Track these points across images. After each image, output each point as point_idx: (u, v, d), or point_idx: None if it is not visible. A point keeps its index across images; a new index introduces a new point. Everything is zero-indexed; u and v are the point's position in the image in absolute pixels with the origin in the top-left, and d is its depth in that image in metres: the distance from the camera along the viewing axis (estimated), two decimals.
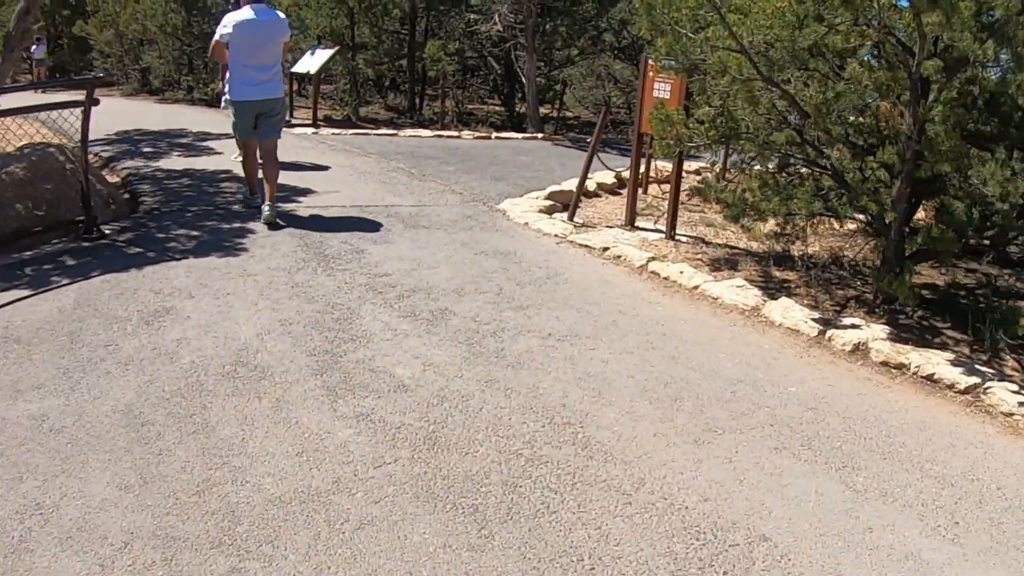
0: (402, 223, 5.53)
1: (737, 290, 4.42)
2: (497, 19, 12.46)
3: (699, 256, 5.29)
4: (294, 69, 11.90)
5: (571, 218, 6.05)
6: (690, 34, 4.24)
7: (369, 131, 11.14)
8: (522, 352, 3.48)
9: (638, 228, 5.96)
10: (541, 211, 6.22)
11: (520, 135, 12.17)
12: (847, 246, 5.43)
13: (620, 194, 7.62)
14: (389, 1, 13.79)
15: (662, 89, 5.53)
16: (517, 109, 15.41)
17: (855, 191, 4.17)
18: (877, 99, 4.25)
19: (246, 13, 4.94)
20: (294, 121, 11.92)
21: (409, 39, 14.48)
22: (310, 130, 10.65)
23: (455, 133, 11.44)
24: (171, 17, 14.63)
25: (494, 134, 11.86)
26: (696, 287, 4.56)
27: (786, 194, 4.37)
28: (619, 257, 5.10)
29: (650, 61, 5.59)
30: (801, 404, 3.19)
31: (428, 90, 15.29)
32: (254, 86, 5.03)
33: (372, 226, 5.37)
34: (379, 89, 16.10)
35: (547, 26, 13.12)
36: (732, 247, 5.61)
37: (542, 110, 17.18)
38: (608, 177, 7.82)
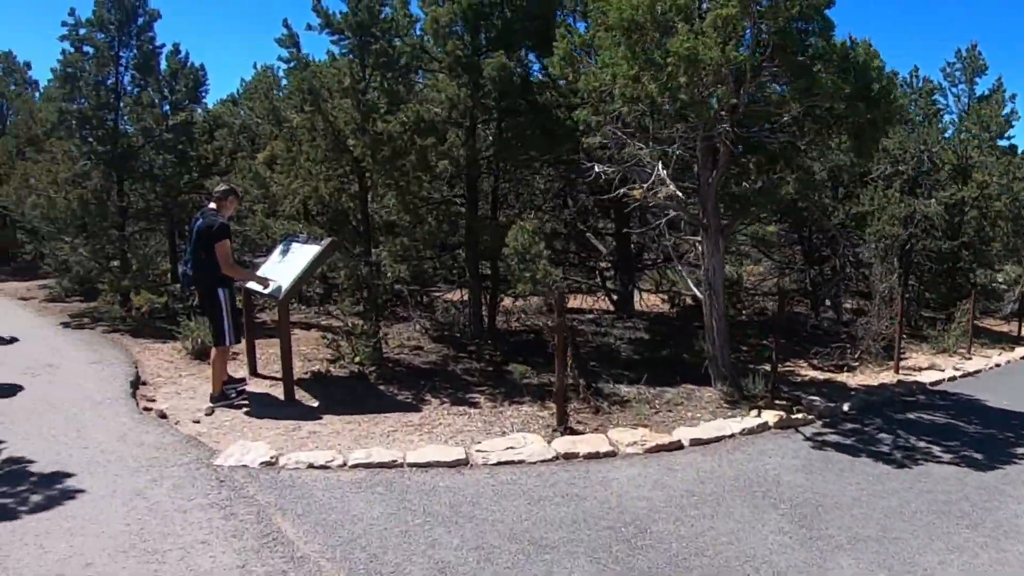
0: None
1: None
2: (665, 176, 6.17)
3: None
4: (249, 285, 6.36)
5: None
6: None
7: (395, 458, 4.67)
8: None
9: None
10: None
11: (717, 419, 6.07)
12: None
13: None
14: (428, 148, 7.03)
15: None
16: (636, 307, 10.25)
17: None
18: None
19: None
20: (251, 385, 6.16)
21: (468, 212, 8.26)
22: (261, 458, 4.54)
23: (600, 446, 5.15)
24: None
25: (686, 434, 5.56)
26: None
27: None
28: None
29: None
30: None
31: (504, 298, 9.36)
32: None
33: None
34: (420, 297, 9.66)
35: (742, 184, 7.17)
36: None
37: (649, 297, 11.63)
38: None
